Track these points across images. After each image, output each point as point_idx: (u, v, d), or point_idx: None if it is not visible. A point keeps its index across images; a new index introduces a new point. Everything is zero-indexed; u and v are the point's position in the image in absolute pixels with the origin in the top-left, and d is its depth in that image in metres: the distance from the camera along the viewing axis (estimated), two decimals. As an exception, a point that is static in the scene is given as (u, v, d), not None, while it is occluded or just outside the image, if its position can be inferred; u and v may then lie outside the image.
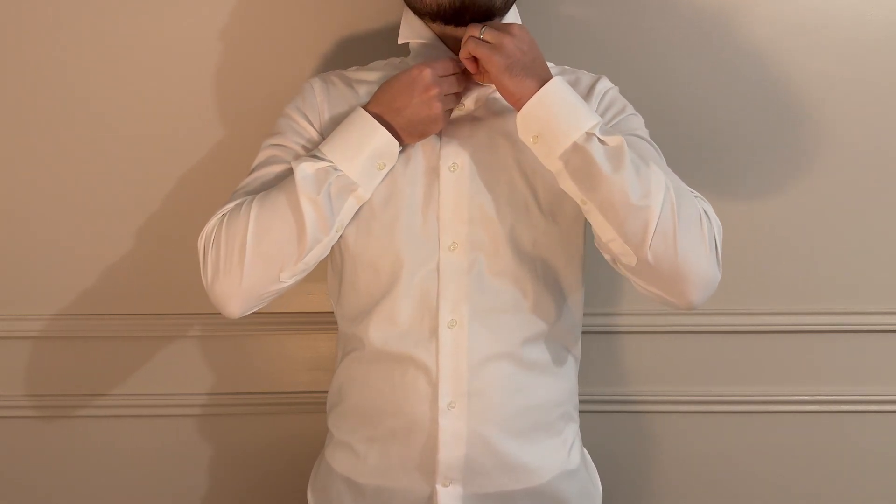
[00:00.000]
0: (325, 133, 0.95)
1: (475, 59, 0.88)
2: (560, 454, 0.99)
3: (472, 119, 0.95)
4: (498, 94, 0.93)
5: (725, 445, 1.35)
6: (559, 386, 0.99)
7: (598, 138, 0.83)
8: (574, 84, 0.96)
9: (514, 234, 0.93)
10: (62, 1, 1.20)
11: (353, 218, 0.93)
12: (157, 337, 1.32)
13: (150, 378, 1.33)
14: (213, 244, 0.88)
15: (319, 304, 1.30)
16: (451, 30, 0.93)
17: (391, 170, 0.92)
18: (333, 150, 0.89)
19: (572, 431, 1.02)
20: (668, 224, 0.81)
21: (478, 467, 0.94)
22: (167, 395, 1.34)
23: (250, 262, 0.86)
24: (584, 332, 1.05)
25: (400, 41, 0.98)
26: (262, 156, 0.96)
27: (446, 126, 0.93)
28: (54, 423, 1.35)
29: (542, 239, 0.94)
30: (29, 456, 1.37)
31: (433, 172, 0.93)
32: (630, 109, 0.97)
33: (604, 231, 0.85)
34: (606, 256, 0.90)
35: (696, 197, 0.87)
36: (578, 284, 1.00)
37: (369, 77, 1.00)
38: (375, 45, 1.20)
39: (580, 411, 1.07)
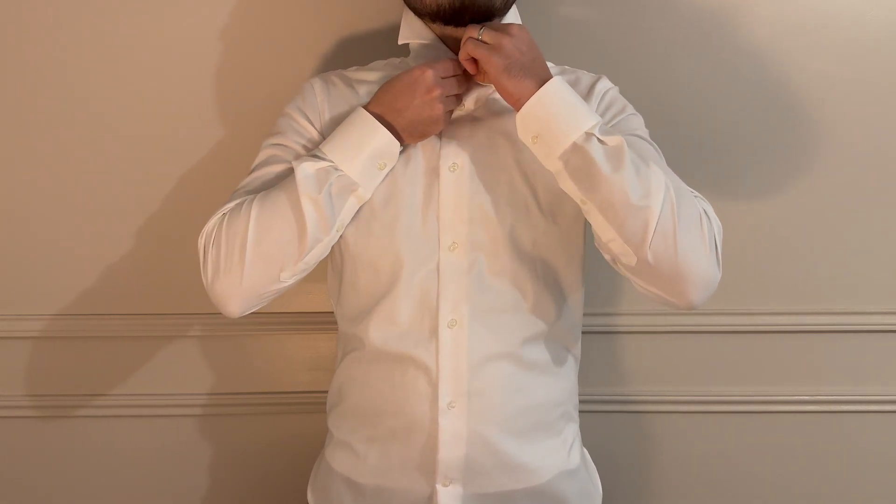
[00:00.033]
0: (326, 133, 0.95)
1: (475, 60, 0.88)
2: (560, 454, 0.99)
3: (472, 119, 0.95)
4: (498, 95, 0.93)
5: (725, 445, 1.35)
6: (559, 386, 0.99)
7: (598, 138, 0.83)
8: (574, 84, 0.96)
9: (514, 234, 0.93)
10: (62, 1, 1.20)
11: (354, 218, 0.93)
12: (157, 337, 1.32)
13: (150, 378, 1.33)
14: (213, 243, 0.88)
15: (319, 304, 1.30)
16: (451, 30, 0.93)
17: (391, 170, 0.92)
18: (334, 149, 0.89)
19: (572, 431, 1.02)
20: (668, 224, 0.81)
21: (478, 467, 0.94)
22: (167, 395, 1.34)
23: (251, 261, 0.86)
24: (584, 332, 1.05)
25: (400, 41, 0.98)
26: (263, 155, 0.96)
27: (446, 126, 0.93)
28: (54, 423, 1.35)
29: (542, 239, 0.94)
30: (29, 456, 1.37)
31: (433, 172, 0.93)
32: (630, 109, 0.97)
33: (604, 231, 0.85)
34: (606, 256, 0.90)
35: (696, 197, 0.87)
36: (578, 284, 1.00)
37: (370, 77, 1.00)
38: (375, 45, 1.20)
39: (580, 411, 1.07)
